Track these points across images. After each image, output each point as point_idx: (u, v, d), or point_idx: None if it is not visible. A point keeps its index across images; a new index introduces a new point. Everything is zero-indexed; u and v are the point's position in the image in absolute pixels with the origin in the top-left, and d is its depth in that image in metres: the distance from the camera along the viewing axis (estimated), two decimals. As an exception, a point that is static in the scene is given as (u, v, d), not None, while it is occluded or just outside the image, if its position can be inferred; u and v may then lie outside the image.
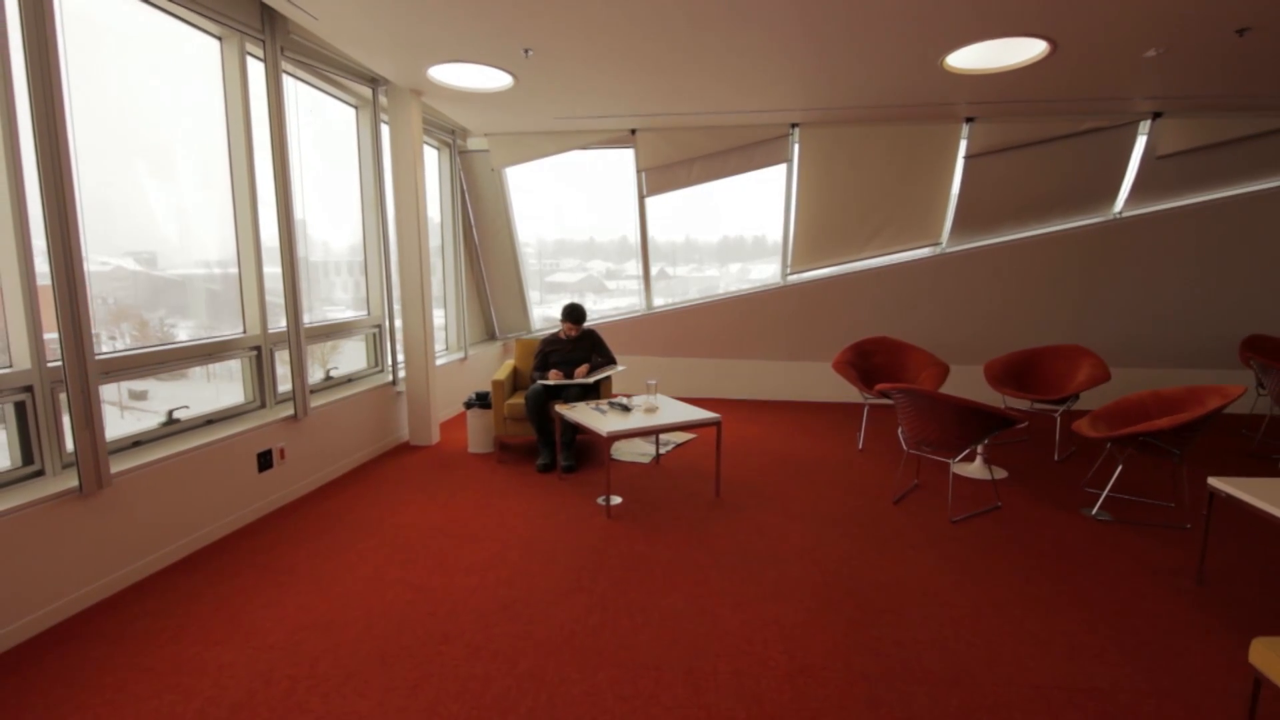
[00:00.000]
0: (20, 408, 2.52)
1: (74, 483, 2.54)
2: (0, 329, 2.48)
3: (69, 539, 2.53)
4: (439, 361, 5.36)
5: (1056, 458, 4.53)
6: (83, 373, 2.53)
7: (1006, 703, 2.04)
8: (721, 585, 2.78)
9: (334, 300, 4.65)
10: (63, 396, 2.58)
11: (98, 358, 2.67)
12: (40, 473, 2.59)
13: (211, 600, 2.65)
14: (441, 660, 2.25)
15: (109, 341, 3.00)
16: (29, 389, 2.52)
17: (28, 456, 2.57)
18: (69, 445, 2.66)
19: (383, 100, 4.60)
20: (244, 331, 3.66)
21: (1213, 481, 2.73)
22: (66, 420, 2.60)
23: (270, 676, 2.16)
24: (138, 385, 3.15)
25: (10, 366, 2.50)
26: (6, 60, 2.30)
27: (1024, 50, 3.82)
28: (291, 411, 3.73)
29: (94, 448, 2.57)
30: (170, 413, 3.22)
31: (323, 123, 4.39)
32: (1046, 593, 2.73)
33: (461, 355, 5.94)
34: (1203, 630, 2.46)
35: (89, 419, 2.55)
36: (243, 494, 3.39)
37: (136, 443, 3.01)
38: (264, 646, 2.33)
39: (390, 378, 4.81)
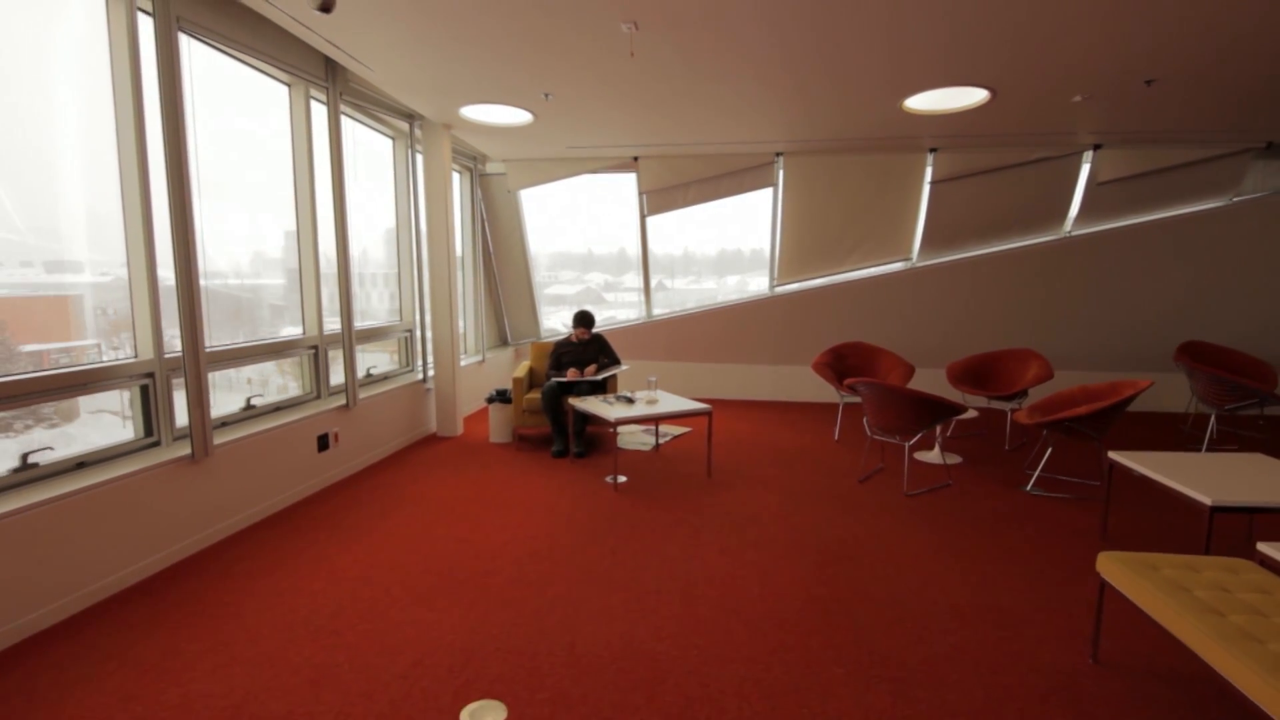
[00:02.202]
0: (145, 390, 3.14)
1: (186, 451, 3.15)
2: (129, 327, 3.11)
3: (181, 497, 3.13)
4: (461, 363, 5.97)
5: (1007, 447, 5.15)
6: (197, 362, 3.15)
7: (928, 615, 2.65)
8: (710, 539, 3.39)
9: (371, 308, 5.26)
10: (172, 381, 3.20)
11: (207, 350, 3.28)
12: (157, 443, 3.19)
13: (294, 548, 3.25)
14: (487, 586, 2.85)
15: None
16: (151, 375, 3.13)
17: (148, 430, 3.17)
18: (178, 421, 3.26)
19: (417, 133, 5.25)
20: (303, 333, 4.28)
21: (1112, 454, 3.36)
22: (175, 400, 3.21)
23: (355, 597, 2.76)
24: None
25: (136, 357, 3.12)
26: (141, 116, 2.93)
27: (969, 97, 4.48)
28: (343, 402, 4.34)
29: (203, 422, 3.18)
30: (249, 400, 3.83)
31: (365, 152, 5.04)
32: (975, 545, 3.34)
33: (480, 358, 6.56)
34: (1094, 571, 3.06)
35: (200, 399, 3.16)
36: (307, 470, 3.99)
37: (223, 423, 3.62)
38: (345, 579, 2.93)
39: (420, 376, 5.43)
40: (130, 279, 3.09)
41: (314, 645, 2.40)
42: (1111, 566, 2.27)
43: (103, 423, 3.10)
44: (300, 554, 3.19)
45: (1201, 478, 2.93)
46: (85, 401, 3.01)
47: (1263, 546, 2.30)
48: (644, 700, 2.11)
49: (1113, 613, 2.64)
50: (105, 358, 3.23)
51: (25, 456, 2.67)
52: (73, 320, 3.13)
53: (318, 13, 2.70)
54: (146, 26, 2.96)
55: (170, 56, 2.98)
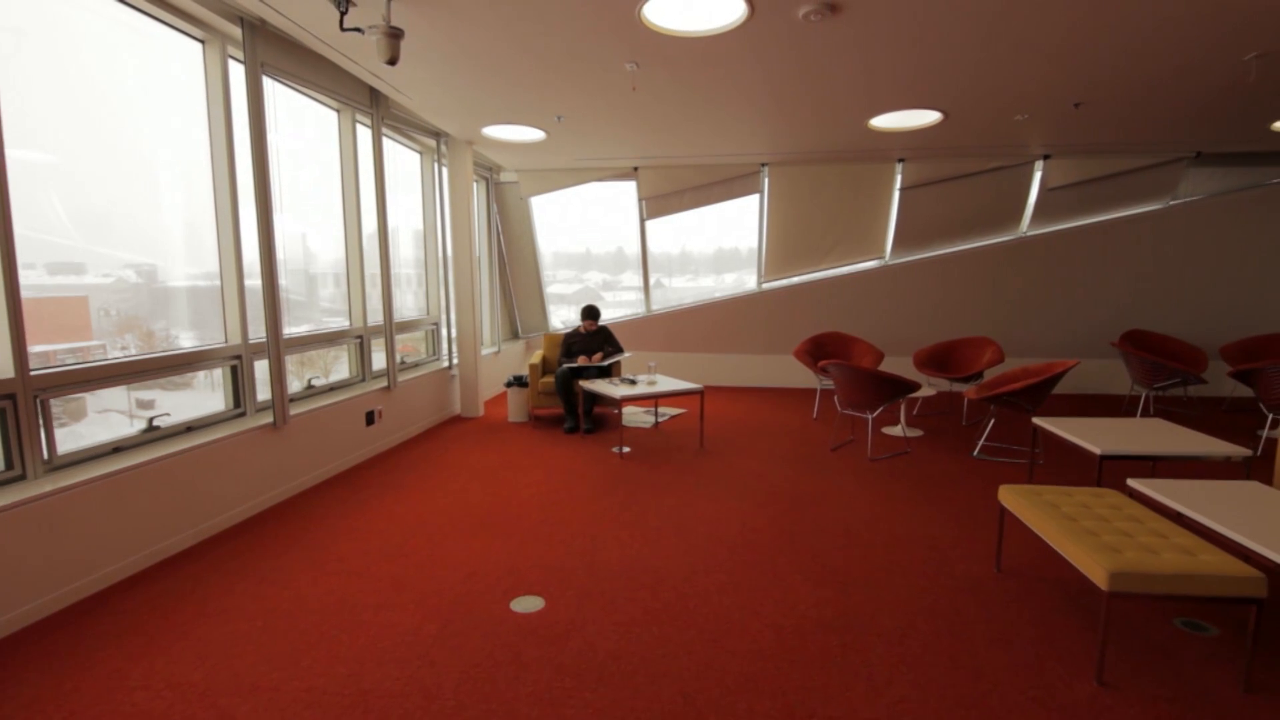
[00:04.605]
0: (234, 370, 3.80)
1: (269, 420, 3.81)
2: (219, 320, 3.77)
3: (265, 457, 3.80)
4: (481, 353, 6.64)
5: (963, 423, 5.84)
6: (277, 346, 3.82)
7: (872, 542, 3.33)
8: (701, 493, 4.06)
9: (404, 304, 5.92)
10: (252, 363, 3.86)
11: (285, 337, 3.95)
12: (243, 413, 3.85)
13: (358, 501, 3.92)
14: (521, 525, 3.53)
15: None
16: (238, 357, 3.80)
17: (236, 402, 3.84)
18: (258, 396, 3.92)
19: (443, 149, 5.92)
20: (349, 325, 4.95)
21: (1035, 420, 4.04)
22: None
23: (414, 536, 3.43)
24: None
25: (226, 342, 3.78)
26: (232, 145, 3.59)
27: (925, 117, 5.16)
28: (385, 384, 5.01)
29: (282, 396, 3.84)
30: (309, 380, 4.50)
31: (396, 165, 5.70)
32: (922, 495, 4.02)
33: (496, 349, 7.24)
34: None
35: (281, 377, 3.83)
36: (358, 440, 4.66)
37: (290, 399, 4.28)
38: (403, 523, 3.60)
39: (446, 364, 6.09)
40: (222, 280, 3.75)
41: (389, 564, 3.08)
42: (1007, 495, 2.96)
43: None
44: (364, 505, 3.86)
45: (1101, 436, 3.61)
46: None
47: (1131, 481, 2.98)
48: (648, 595, 2.79)
49: (1018, 538, 3.33)
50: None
51: (151, 420, 3.33)
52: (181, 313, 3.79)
53: (385, 64, 3.35)
54: (236, 71, 3.63)
55: (258, 96, 3.64)
